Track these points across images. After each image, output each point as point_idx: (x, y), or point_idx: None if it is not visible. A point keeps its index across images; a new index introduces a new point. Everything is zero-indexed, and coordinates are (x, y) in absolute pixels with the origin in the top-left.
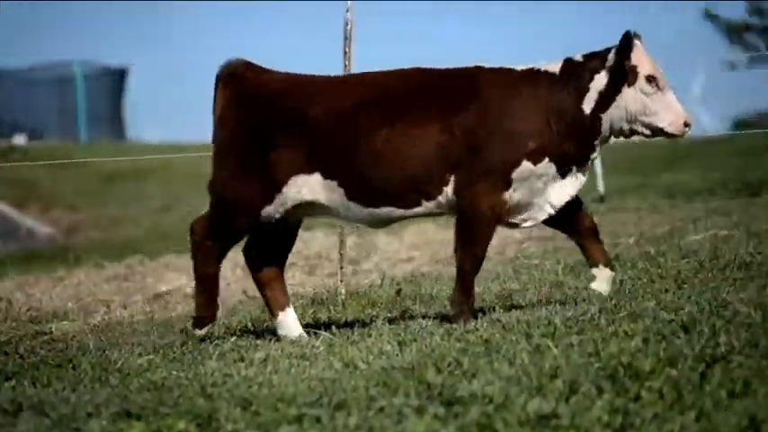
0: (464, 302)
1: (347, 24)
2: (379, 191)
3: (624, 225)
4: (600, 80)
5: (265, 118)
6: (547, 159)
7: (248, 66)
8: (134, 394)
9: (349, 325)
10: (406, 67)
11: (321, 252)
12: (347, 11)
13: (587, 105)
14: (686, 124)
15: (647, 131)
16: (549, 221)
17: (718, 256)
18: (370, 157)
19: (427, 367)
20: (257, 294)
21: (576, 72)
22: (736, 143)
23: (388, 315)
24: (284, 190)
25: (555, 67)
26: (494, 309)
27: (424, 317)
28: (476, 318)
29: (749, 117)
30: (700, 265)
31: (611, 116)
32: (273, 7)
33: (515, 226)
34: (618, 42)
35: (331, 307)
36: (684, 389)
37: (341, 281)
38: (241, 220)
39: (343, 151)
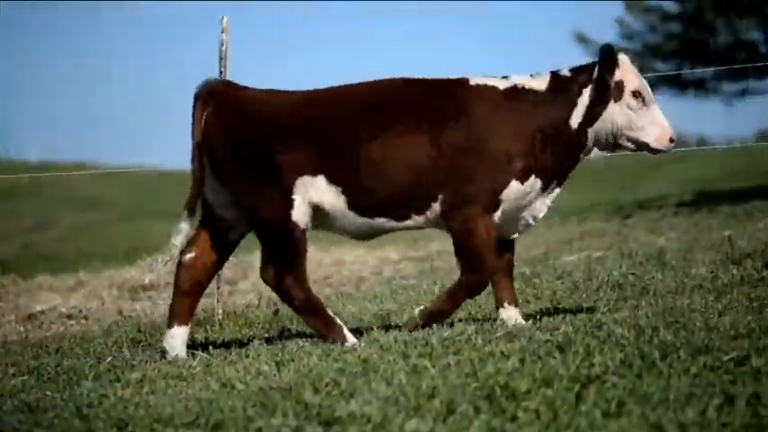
0: (441, 310)
1: (222, 44)
2: (375, 201)
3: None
4: (587, 94)
5: (259, 128)
6: (533, 176)
7: (228, 83)
8: (8, 416)
9: (226, 345)
10: (393, 77)
11: None
12: (222, 31)
13: (575, 120)
14: (671, 140)
15: (632, 146)
16: None
17: (592, 276)
18: (371, 167)
19: (305, 387)
20: (132, 314)
21: (563, 86)
22: (610, 165)
23: (266, 335)
24: (295, 191)
25: (541, 82)
26: (371, 329)
27: (301, 337)
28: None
29: None
30: (574, 286)
31: (597, 130)
32: (150, 20)
33: (499, 237)
34: (599, 57)
35: (208, 327)
36: (560, 409)
37: (218, 301)
38: (291, 235)
39: (346, 159)
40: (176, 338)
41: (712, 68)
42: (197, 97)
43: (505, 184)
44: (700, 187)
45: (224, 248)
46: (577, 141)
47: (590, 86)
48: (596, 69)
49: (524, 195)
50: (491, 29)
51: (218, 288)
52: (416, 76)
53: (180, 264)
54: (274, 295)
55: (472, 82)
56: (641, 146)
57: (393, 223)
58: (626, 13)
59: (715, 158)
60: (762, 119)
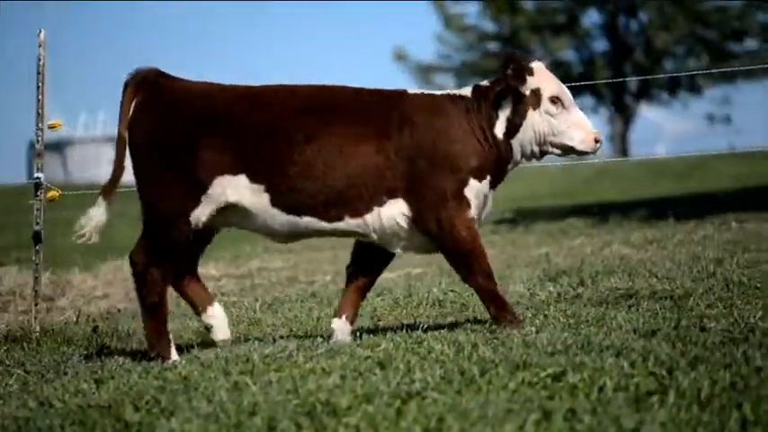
0: (506, 316)
1: (40, 60)
2: (303, 200)
3: (320, 263)
4: (506, 105)
5: (186, 120)
6: (488, 177)
7: (160, 73)
8: None
9: (44, 363)
10: (332, 84)
11: (14, 288)
12: (39, 45)
13: (499, 131)
14: (596, 140)
15: (558, 151)
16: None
17: (412, 293)
18: (300, 167)
19: (125, 405)
20: None
21: (485, 97)
22: None
23: (85, 352)
24: (209, 191)
25: (467, 93)
26: (192, 346)
27: (121, 354)
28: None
29: None
30: (395, 303)
31: (521, 141)
32: None
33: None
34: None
35: (25, 344)
36: (381, 425)
37: (35, 318)
38: (175, 230)
39: (272, 157)
40: (216, 314)
41: None
42: (127, 84)
43: (465, 182)
44: (517, 205)
45: (199, 239)
46: (504, 152)
47: (508, 97)
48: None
49: (480, 195)
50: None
51: (36, 305)
52: (356, 86)
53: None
54: (93, 311)
55: (410, 92)
56: (567, 150)
57: (323, 224)
58: (444, 31)
59: (533, 176)
60: None
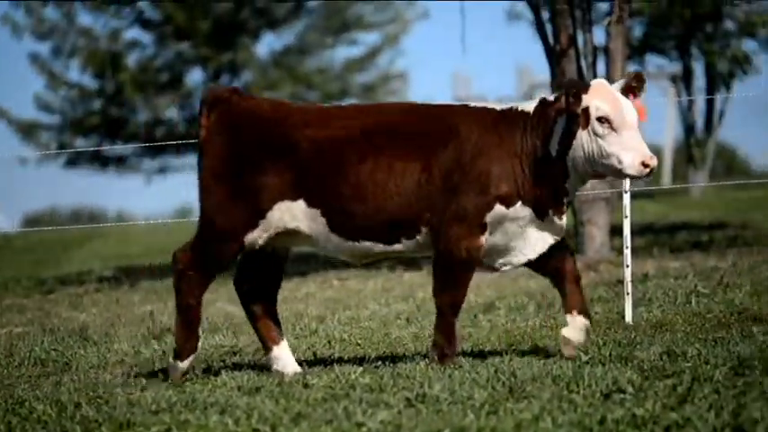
0: (445, 345)
1: None
2: (360, 225)
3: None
4: (561, 123)
5: (253, 142)
6: (520, 203)
7: (234, 91)
8: None
9: None
10: (397, 101)
11: None
12: None
13: (553, 148)
14: (644, 164)
15: (608, 172)
16: (531, 265)
17: (13, 352)
18: (354, 190)
19: None
20: None
21: (545, 113)
22: (29, 239)
23: None
24: (268, 216)
25: (531, 107)
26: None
27: None
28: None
29: (41, 213)
30: None
31: (573, 159)
32: None
33: (494, 269)
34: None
35: None
36: None
37: None
38: (226, 248)
39: (329, 181)
40: (281, 356)
41: (132, 145)
42: (202, 103)
43: (489, 207)
44: (121, 263)
45: (275, 261)
46: (559, 170)
47: (564, 114)
48: (564, 98)
49: (512, 221)
50: None
51: None
52: (419, 102)
53: (239, 292)
54: None
55: (469, 106)
56: (615, 173)
57: (382, 247)
58: (46, 88)
59: (136, 234)
60: (181, 195)
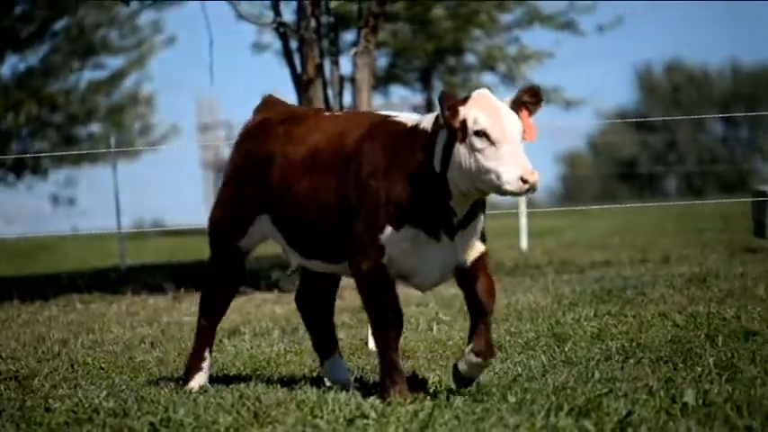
0: (392, 374)
1: None
2: (306, 243)
3: None
4: (441, 137)
5: (246, 151)
6: (407, 225)
7: (270, 98)
8: None
9: None
10: (376, 113)
11: None
12: None
13: (437, 164)
14: (524, 180)
15: (487, 189)
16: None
17: None
18: (297, 209)
19: None
20: None
21: (436, 128)
22: None
23: None
24: (255, 224)
25: (428, 122)
26: None
27: None
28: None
29: None
30: None
31: (453, 176)
32: None
33: (420, 289)
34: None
35: None
36: None
37: None
38: (225, 255)
39: (282, 199)
40: (336, 367)
41: None
42: (253, 113)
43: (382, 229)
44: None
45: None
46: (442, 188)
47: (443, 129)
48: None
49: (405, 242)
50: None
51: None
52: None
53: (299, 305)
54: None
55: (388, 118)
56: (495, 189)
57: (330, 266)
58: None
59: None
60: None
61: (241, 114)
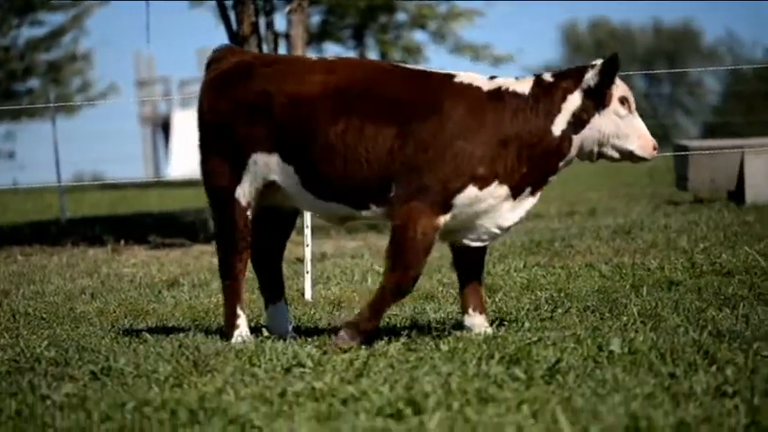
0: (368, 320)
1: None
2: (330, 185)
3: None
4: (573, 100)
5: (232, 96)
6: (496, 183)
7: (231, 49)
8: None
9: None
10: (381, 60)
11: None
12: None
13: (557, 127)
14: (654, 148)
15: (617, 155)
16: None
17: None
18: (325, 150)
19: None
20: None
21: (546, 92)
22: None
23: None
24: (248, 166)
25: (524, 86)
26: None
27: None
28: (368, 343)
29: None
30: None
31: (584, 138)
32: None
33: (461, 245)
34: (602, 63)
35: None
36: None
37: None
38: (229, 209)
39: (302, 138)
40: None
41: None
42: (206, 65)
43: (462, 189)
44: None
45: (282, 220)
46: (557, 149)
47: (576, 92)
48: (592, 75)
49: (484, 201)
50: None
51: None
52: (404, 64)
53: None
54: None
55: (459, 78)
56: (625, 155)
57: (352, 211)
58: None
59: None
60: None
61: (178, 70)
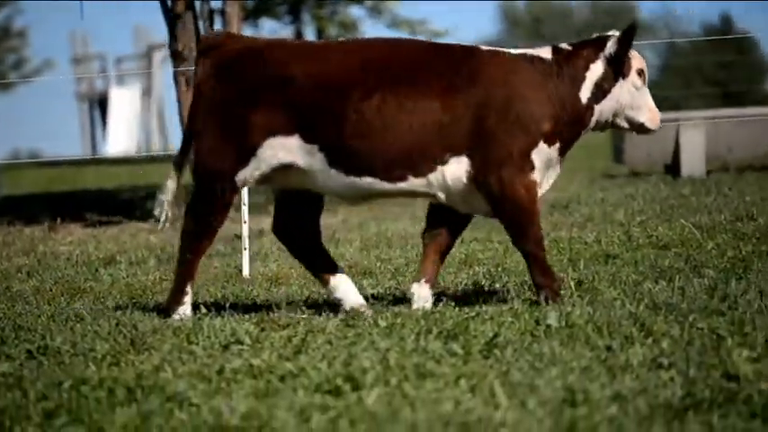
0: (549, 284)
1: None
2: (363, 160)
3: None
4: (596, 70)
5: (243, 80)
6: (558, 143)
7: (229, 35)
8: None
9: None
10: (401, 37)
11: None
12: None
13: (584, 95)
14: (661, 121)
15: (627, 125)
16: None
17: None
18: (358, 125)
19: None
20: None
21: (568, 60)
22: None
23: None
24: (259, 152)
25: (545, 54)
26: None
27: None
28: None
29: None
30: None
31: (603, 107)
32: None
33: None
34: (621, 33)
35: None
36: None
37: None
38: (218, 188)
39: (328, 116)
40: (342, 284)
41: None
42: (198, 52)
43: (535, 145)
44: None
45: (312, 199)
46: (582, 118)
47: (598, 61)
48: (612, 44)
49: (548, 160)
50: None
51: None
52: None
53: (281, 237)
54: None
55: (483, 48)
56: (635, 126)
57: (385, 185)
58: None
59: None
60: None
61: (114, 47)
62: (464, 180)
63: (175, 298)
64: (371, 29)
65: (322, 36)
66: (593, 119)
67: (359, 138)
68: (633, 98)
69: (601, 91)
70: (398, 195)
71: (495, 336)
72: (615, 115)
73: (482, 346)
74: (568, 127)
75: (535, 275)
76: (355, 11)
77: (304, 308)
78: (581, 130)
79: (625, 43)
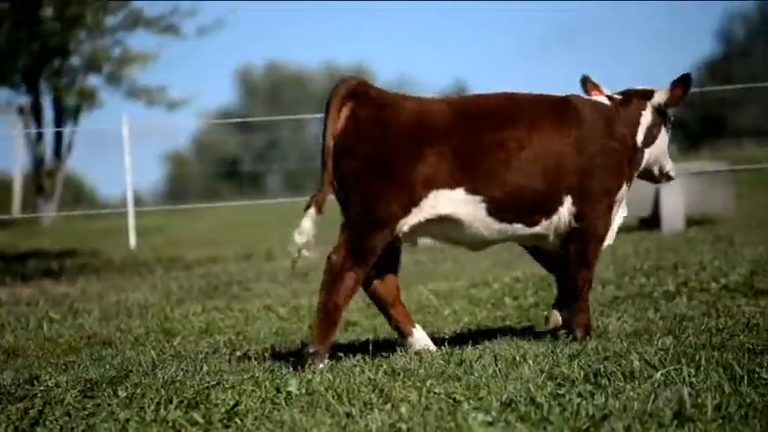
0: (585, 322)
1: None
2: (517, 207)
3: None
4: (647, 116)
5: (405, 134)
6: (630, 181)
7: (366, 84)
8: None
9: None
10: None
11: None
12: None
13: (638, 138)
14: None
15: (657, 174)
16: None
17: None
18: (516, 174)
19: None
20: None
21: (623, 106)
22: None
23: None
24: (422, 204)
25: (603, 100)
26: None
27: None
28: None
29: None
30: None
31: (651, 154)
32: None
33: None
34: (677, 83)
35: None
36: None
37: None
38: (381, 236)
39: (489, 168)
40: (419, 337)
41: None
42: (334, 93)
43: (621, 186)
44: None
45: (393, 247)
46: (637, 161)
47: (648, 109)
48: (661, 94)
49: (623, 198)
50: None
51: None
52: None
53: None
54: None
55: (576, 96)
56: (663, 174)
57: (525, 229)
58: None
59: None
60: None
61: None
62: (567, 218)
63: (327, 344)
64: (110, 97)
65: (61, 105)
66: (643, 163)
67: (516, 186)
68: (664, 146)
69: (651, 136)
70: (520, 240)
71: (236, 404)
72: (654, 162)
73: (222, 415)
74: (629, 167)
75: (575, 311)
76: (94, 79)
77: (41, 380)
78: (634, 173)
79: (680, 93)
